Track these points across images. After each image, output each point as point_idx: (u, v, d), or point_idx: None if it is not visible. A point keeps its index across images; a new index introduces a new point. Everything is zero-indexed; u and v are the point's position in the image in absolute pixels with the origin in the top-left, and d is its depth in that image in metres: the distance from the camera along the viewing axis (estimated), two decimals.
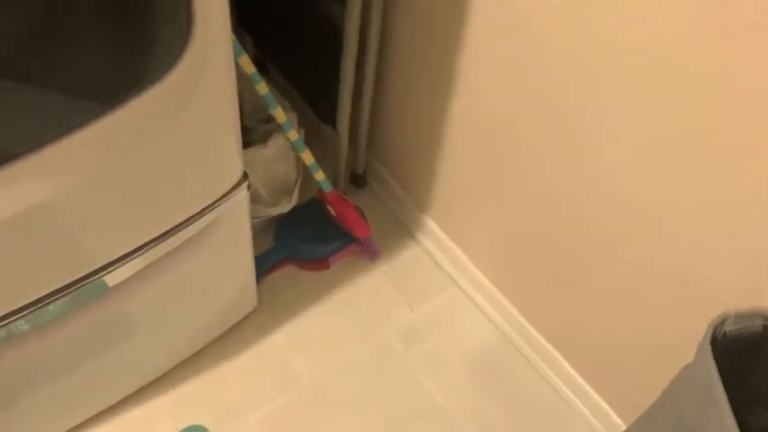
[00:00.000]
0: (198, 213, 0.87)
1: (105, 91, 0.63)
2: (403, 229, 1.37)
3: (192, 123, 0.73)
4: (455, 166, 1.16)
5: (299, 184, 1.24)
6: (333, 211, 1.26)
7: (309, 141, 1.18)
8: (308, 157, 1.16)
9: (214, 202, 0.88)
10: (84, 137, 0.64)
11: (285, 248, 1.28)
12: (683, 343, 0.68)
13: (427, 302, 1.29)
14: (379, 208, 1.39)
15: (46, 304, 0.79)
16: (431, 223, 1.30)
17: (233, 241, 1.01)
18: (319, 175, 1.20)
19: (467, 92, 1.03)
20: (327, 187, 1.23)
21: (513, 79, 0.93)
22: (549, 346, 1.16)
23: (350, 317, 1.25)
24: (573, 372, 1.14)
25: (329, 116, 1.22)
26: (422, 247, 1.35)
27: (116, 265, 0.83)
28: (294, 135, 1.13)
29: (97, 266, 0.82)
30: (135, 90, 0.64)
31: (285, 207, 1.22)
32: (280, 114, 1.08)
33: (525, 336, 1.20)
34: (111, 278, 0.84)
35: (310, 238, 1.29)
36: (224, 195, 0.89)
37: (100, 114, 0.64)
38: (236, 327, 1.20)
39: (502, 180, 1.06)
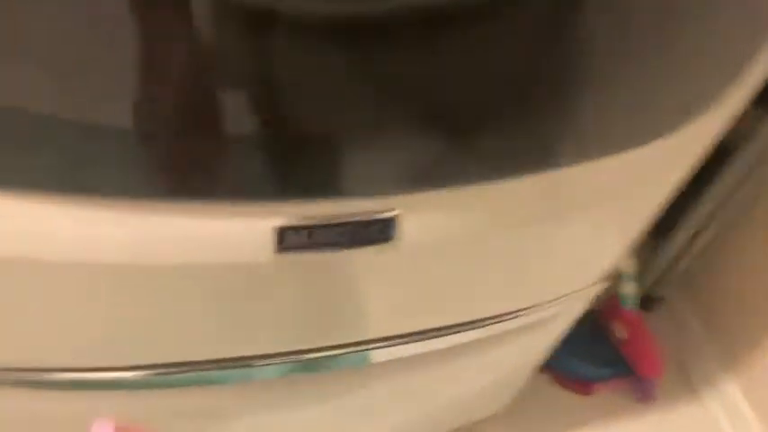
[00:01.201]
0: (534, 306, 0.69)
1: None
2: (687, 377, 1.12)
3: (641, 192, 0.56)
4: None
5: None
6: (622, 333, 1.05)
7: None
8: (628, 265, 0.97)
9: (563, 296, 0.71)
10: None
11: (550, 358, 1.08)
12: None
13: None
14: (659, 343, 1.15)
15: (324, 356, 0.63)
16: (730, 386, 1.04)
17: (538, 342, 0.83)
18: (629, 288, 1.00)
19: None
20: (631, 305, 1.02)
21: None
22: None
23: None
24: None
25: (660, 231, 1.02)
26: (706, 409, 1.09)
27: (400, 342, 0.64)
28: None
29: (390, 335, 0.64)
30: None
31: None
32: None
33: None
34: (379, 355, 0.65)
35: (580, 355, 1.08)
36: (577, 291, 0.71)
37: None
38: (470, 427, 1.01)
39: None
